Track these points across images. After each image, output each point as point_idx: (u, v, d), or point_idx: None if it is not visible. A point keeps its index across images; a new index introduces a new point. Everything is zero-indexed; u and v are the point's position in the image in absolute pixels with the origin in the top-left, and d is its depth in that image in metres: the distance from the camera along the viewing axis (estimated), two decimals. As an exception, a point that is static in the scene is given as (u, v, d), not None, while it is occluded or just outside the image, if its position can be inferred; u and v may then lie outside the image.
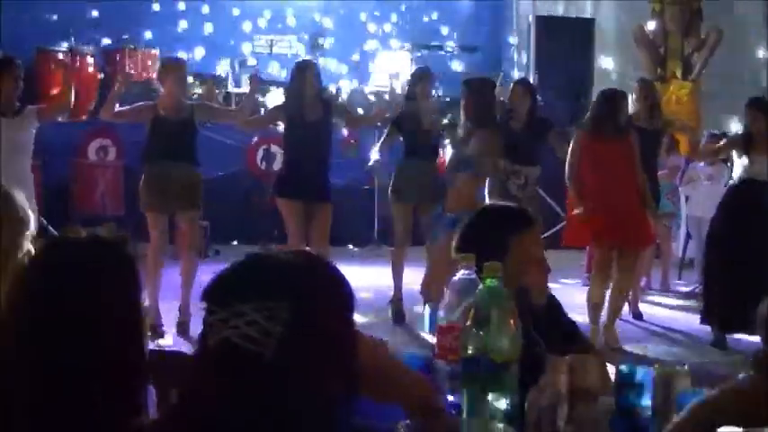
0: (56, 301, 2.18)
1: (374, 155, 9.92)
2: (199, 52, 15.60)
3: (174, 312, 8.49)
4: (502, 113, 9.27)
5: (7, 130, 8.12)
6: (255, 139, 12.86)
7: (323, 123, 8.91)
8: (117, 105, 8.79)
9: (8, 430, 2.14)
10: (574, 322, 3.81)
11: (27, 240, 2.80)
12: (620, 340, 8.57)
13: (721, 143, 9.77)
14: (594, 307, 8.59)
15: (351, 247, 12.82)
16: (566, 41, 14.44)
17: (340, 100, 13.87)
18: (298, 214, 8.79)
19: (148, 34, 15.28)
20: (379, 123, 10.73)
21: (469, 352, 2.59)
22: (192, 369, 1.88)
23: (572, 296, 8.79)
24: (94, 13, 15.14)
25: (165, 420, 1.92)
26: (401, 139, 9.36)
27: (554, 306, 3.67)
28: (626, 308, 9.78)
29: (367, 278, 10.26)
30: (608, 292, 8.66)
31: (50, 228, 9.87)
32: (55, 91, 13.38)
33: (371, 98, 14.39)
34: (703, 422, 2.22)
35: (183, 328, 8.41)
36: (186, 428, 1.84)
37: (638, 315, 9.90)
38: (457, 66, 15.95)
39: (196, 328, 8.19)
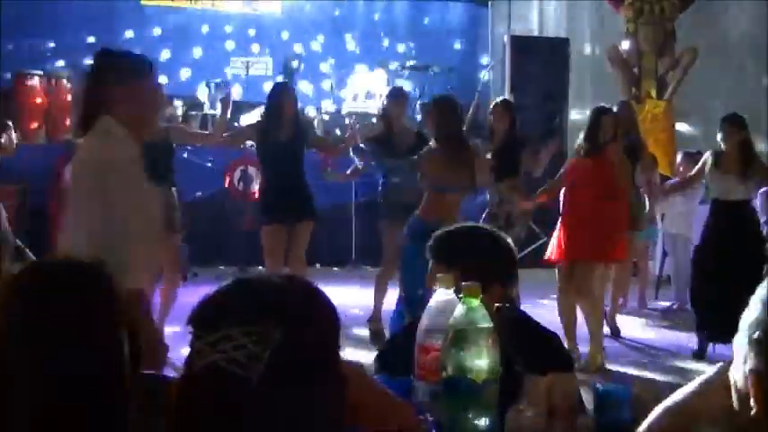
0: (36, 326, 2.19)
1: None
2: (183, 74, 15.66)
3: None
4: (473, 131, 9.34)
5: None
6: (233, 160, 12.86)
7: (295, 144, 8.90)
8: None
9: None
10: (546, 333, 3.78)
11: (7, 260, 2.82)
12: (603, 364, 8.52)
13: (692, 173, 9.79)
14: (566, 327, 8.57)
15: (329, 267, 12.81)
16: (541, 61, 14.50)
17: (316, 123, 13.92)
18: (279, 238, 8.79)
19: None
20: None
21: (449, 372, 2.61)
22: (178, 393, 1.88)
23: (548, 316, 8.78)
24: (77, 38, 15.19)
25: None
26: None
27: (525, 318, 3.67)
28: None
29: (346, 298, 10.27)
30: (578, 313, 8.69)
31: (27, 251, 9.84)
32: (33, 124, 13.45)
33: (347, 121, 14.40)
34: (674, 426, 2.23)
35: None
36: None
37: (615, 331, 9.92)
38: (433, 86, 15.98)
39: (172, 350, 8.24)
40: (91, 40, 15.14)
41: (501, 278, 3.54)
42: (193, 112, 14.21)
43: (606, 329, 9.46)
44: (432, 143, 8.26)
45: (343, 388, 1.92)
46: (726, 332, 7.07)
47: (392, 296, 9.04)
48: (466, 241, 3.69)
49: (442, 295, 2.89)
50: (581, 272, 8.58)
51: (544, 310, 8.70)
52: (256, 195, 10.41)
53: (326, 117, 14.88)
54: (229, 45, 16.25)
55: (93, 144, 4.37)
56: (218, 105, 11.26)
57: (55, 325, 2.20)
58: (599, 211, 8.45)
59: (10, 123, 10.06)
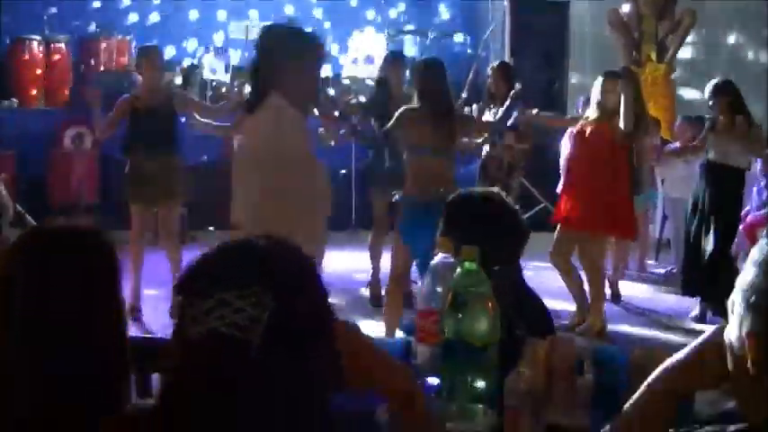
0: (36, 291, 2.20)
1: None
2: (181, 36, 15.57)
3: (155, 298, 8.54)
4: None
5: None
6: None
7: None
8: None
9: None
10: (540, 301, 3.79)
11: (6, 226, 2.82)
12: (603, 328, 8.55)
13: (695, 143, 9.83)
14: (574, 290, 8.64)
15: (329, 232, 12.73)
16: (541, 25, 14.43)
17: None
18: None
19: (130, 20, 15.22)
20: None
21: (448, 335, 2.61)
22: (173, 362, 1.85)
23: (550, 280, 8.78)
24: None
25: (155, 411, 1.90)
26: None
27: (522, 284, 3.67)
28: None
29: (345, 262, 10.29)
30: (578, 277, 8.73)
31: (27, 216, 9.84)
32: (31, 89, 13.39)
33: (351, 85, 14.31)
34: (670, 388, 2.23)
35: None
36: (175, 420, 1.83)
37: (616, 296, 9.94)
38: (432, 50, 15.90)
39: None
40: (96, 5, 15.10)
41: (504, 257, 3.53)
42: (190, 76, 14.12)
43: (607, 293, 9.49)
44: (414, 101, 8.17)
45: (336, 350, 1.92)
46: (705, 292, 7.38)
47: (386, 259, 9.06)
48: (475, 217, 3.66)
49: (440, 259, 2.89)
50: (586, 241, 8.61)
51: (547, 275, 8.70)
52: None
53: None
54: (222, 12, 16.08)
55: (265, 121, 4.48)
56: (219, 68, 11.19)
57: (56, 287, 2.20)
58: (600, 180, 8.45)
59: None
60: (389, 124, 7.96)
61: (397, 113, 7.88)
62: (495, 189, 4.06)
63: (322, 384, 1.89)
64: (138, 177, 8.52)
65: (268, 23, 4.86)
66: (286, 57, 4.49)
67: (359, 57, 15.01)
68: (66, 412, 2.15)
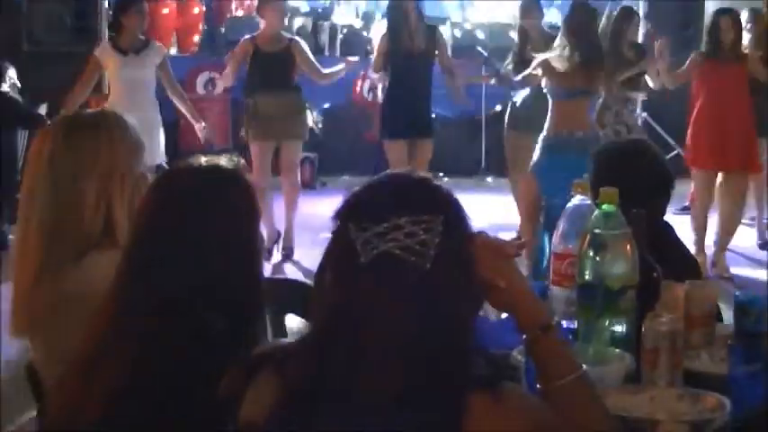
0: (178, 226, 2.23)
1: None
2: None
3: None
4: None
5: (127, 68, 8.34)
6: (362, 70, 12.74)
7: (425, 54, 8.73)
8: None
9: (121, 354, 2.20)
10: (687, 250, 3.76)
11: (140, 164, 2.85)
12: (728, 269, 8.42)
13: None
14: (698, 232, 8.53)
15: (457, 177, 12.67)
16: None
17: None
18: (402, 153, 8.67)
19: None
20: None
21: (585, 278, 2.59)
22: (338, 288, 1.90)
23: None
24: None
25: (311, 342, 1.94)
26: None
27: (667, 232, 3.62)
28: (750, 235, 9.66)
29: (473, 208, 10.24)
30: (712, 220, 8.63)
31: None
32: (163, 36, 13.56)
33: (480, 35, 14.15)
34: None
35: (287, 253, 8.56)
36: (335, 346, 1.87)
37: (766, 244, 9.69)
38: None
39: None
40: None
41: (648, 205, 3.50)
42: (321, 22, 14.14)
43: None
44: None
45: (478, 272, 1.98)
46: None
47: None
48: (626, 163, 3.62)
49: (578, 201, 2.85)
50: (732, 183, 8.53)
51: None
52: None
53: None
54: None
55: None
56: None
57: (196, 224, 2.23)
58: (718, 117, 8.34)
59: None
60: (530, 69, 7.95)
61: (540, 59, 7.83)
62: (644, 137, 4.06)
63: (476, 307, 2.00)
64: (257, 115, 8.61)
65: None
66: None
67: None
68: (201, 353, 2.18)
